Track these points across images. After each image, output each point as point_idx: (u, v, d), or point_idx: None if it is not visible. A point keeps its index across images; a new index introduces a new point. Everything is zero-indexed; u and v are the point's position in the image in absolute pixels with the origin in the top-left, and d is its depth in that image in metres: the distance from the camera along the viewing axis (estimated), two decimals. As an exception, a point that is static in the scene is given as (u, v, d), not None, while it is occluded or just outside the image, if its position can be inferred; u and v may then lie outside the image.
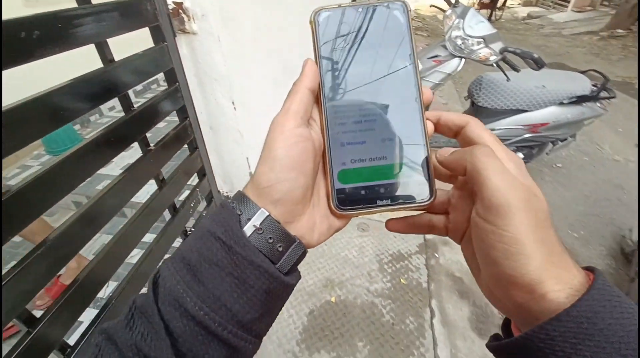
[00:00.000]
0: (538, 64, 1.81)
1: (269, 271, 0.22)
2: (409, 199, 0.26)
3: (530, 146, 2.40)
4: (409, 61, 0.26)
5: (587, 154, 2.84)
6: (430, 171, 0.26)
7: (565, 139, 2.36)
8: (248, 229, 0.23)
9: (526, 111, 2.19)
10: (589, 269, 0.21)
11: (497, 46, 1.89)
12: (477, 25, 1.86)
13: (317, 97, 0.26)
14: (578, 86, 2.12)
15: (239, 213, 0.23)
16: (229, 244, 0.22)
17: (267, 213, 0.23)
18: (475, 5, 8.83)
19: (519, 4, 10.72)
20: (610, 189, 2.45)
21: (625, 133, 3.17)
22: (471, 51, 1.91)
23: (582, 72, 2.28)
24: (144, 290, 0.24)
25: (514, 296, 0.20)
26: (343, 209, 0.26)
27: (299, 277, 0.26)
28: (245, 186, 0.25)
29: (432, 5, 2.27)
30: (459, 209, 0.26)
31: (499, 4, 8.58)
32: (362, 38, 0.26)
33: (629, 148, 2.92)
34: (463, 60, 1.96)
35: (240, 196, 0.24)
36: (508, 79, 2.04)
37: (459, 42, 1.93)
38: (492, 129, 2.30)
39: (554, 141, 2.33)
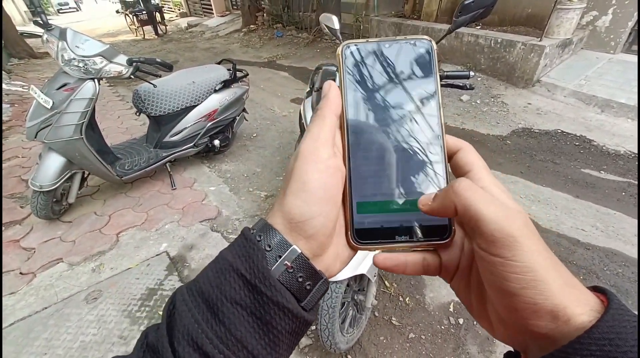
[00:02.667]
0: (166, 67, 2.02)
1: (294, 312, 0.22)
2: (427, 236, 0.25)
3: (221, 131, 2.78)
4: (433, 98, 0.26)
5: (266, 119, 3.70)
6: None
7: (240, 115, 2.91)
8: (278, 268, 0.22)
9: (195, 105, 2.47)
10: (594, 289, 0.20)
11: (122, 59, 1.92)
12: (84, 44, 1.79)
13: (340, 126, 0.26)
14: (219, 74, 2.60)
15: (268, 248, 0.22)
16: (253, 283, 0.21)
17: (299, 251, 0.22)
18: (135, 24, 8.80)
19: (177, 16, 11.72)
20: (290, 135, 3.34)
21: (282, 96, 4.36)
22: (98, 70, 1.84)
23: (218, 63, 2.80)
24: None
25: (534, 327, 0.19)
26: (361, 243, 0.25)
27: (318, 310, 0.33)
28: (271, 213, 0.24)
29: (22, 33, 1.96)
30: (450, 247, 0.25)
31: (158, 19, 8.98)
32: (387, 73, 0.26)
33: (286, 104, 4.08)
34: (97, 81, 1.87)
35: (267, 228, 0.23)
36: (155, 86, 2.17)
37: (80, 64, 1.79)
38: (183, 129, 2.46)
39: (232, 120, 2.82)
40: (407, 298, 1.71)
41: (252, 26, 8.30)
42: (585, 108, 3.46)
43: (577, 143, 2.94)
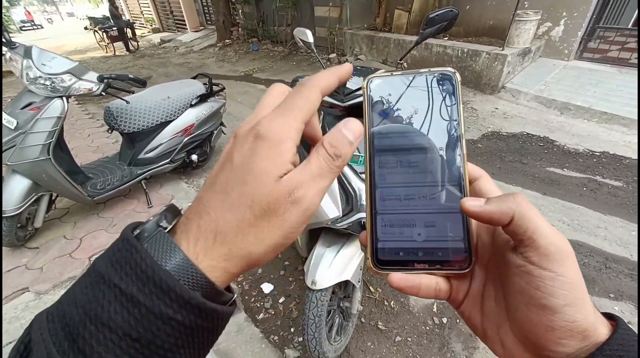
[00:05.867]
0: (139, 83, 1.99)
1: (185, 323, 0.17)
2: (447, 265, 0.25)
3: (198, 146, 2.75)
4: (456, 128, 0.26)
5: (244, 132, 3.69)
6: (472, 238, 0.25)
7: (217, 129, 2.89)
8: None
9: (171, 121, 2.43)
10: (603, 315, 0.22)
11: (92, 76, 1.88)
12: (51, 62, 1.74)
13: (366, 159, 0.27)
14: (195, 89, 2.58)
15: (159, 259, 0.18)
16: (129, 293, 0.17)
17: (209, 280, 0.19)
18: (105, 40, 8.60)
19: (149, 32, 11.57)
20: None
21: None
22: (67, 87, 1.79)
23: (193, 78, 2.79)
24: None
25: (564, 346, 0.19)
26: (380, 268, 0.26)
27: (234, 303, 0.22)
28: (191, 223, 0.20)
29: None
30: (466, 277, 0.26)
31: (130, 35, 8.83)
32: (411, 105, 0.26)
33: (265, 116, 4.10)
34: (65, 99, 1.81)
35: (166, 244, 0.19)
36: (128, 103, 2.13)
37: (47, 82, 1.73)
38: (159, 146, 2.40)
39: (210, 134, 2.79)
40: (392, 302, 1.73)
41: (227, 41, 8.33)
42: (547, 111, 3.71)
43: (541, 144, 3.14)
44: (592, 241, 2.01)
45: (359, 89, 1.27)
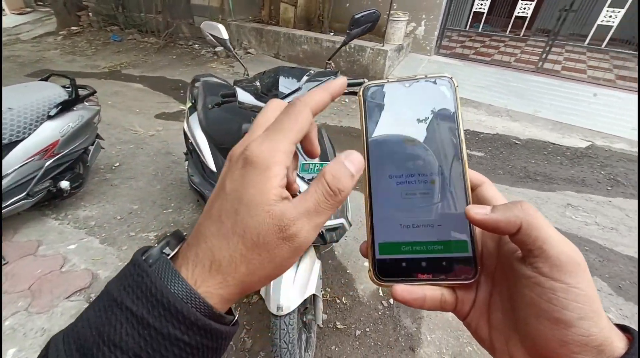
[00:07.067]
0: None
1: (191, 344, 0.18)
2: (451, 275, 0.24)
3: (68, 169, 2.11)
4: (455, 135, 0.25)
5: (128, 142, 3.04)
6: (476, 247, 0.24)
7: (94, 143, 2.28)
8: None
9: (19, 140, 1.77)
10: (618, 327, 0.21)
11: None
12: None
13: (364, 170, 0.25)
14: (52, 94, 1.94)
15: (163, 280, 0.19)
16: (140, 315, 0.18)
17: (212, 307, 0.20)
18: None
19: None
20: (167, 157, 2.85)
21: (141, 112, 3.67)
22: None
23: (45, 79, 2.10)
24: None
25: None
26: (383, 280, 0.25)
27: (237, 323, 0.22)
28: (191, 251, 0.21)
29: None
30: (471, 287, 0.25)
31: None
32: (409, 112, 0.26)
33: (150, 121, 3.47)
34: None
35: (170, 273, 0.19)
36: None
37: None
38: (5, 175, 1.73)
39: (84, 151, 2.17)
40: (344, 298, 1.75)
41: (73, 28, 6.62)
42: (422, 99, 4.40)
43: (424, 127, 3.71)
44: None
45: (294, 92, 1.18)
